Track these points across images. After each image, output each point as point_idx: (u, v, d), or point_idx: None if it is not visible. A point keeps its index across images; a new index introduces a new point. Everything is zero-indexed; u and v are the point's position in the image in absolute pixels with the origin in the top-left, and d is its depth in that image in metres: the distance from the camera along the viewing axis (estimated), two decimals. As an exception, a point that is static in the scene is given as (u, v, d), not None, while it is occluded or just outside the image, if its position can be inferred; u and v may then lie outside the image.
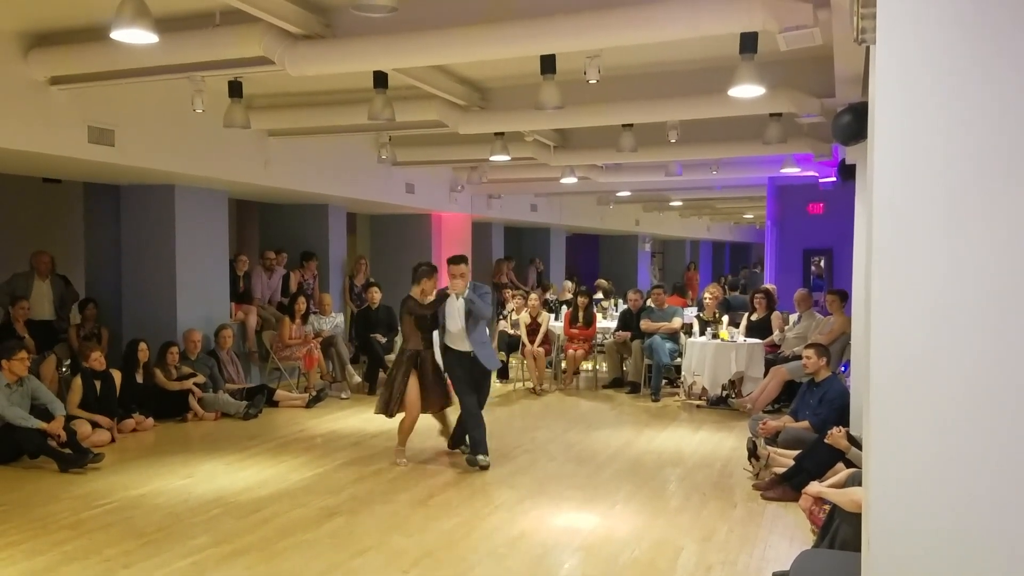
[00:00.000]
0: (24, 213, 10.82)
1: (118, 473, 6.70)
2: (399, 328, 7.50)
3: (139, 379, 8.66)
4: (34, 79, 6.71)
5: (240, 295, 10.74)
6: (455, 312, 6.90)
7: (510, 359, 11.75)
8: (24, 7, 6.07)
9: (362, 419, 8.85)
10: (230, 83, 7.22)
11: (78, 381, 7.90)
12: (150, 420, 8.41)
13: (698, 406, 9.86)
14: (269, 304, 11.23)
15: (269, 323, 10.82)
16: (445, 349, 7.10)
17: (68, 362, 9.04)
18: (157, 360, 8.90)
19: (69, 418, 7.28)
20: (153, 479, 6.51)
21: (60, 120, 6.98)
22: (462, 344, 6.93)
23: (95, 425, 7.66)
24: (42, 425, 6.86)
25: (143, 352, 8.69)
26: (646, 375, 10.69)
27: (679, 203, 18.99)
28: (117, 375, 8.32)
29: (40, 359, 8.47)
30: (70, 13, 6.18)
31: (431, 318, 6.94)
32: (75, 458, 6.77)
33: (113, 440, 7.72)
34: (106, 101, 7.33)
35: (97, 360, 8.01)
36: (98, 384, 7.99)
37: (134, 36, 5.03)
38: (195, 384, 8.94)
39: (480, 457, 6.84)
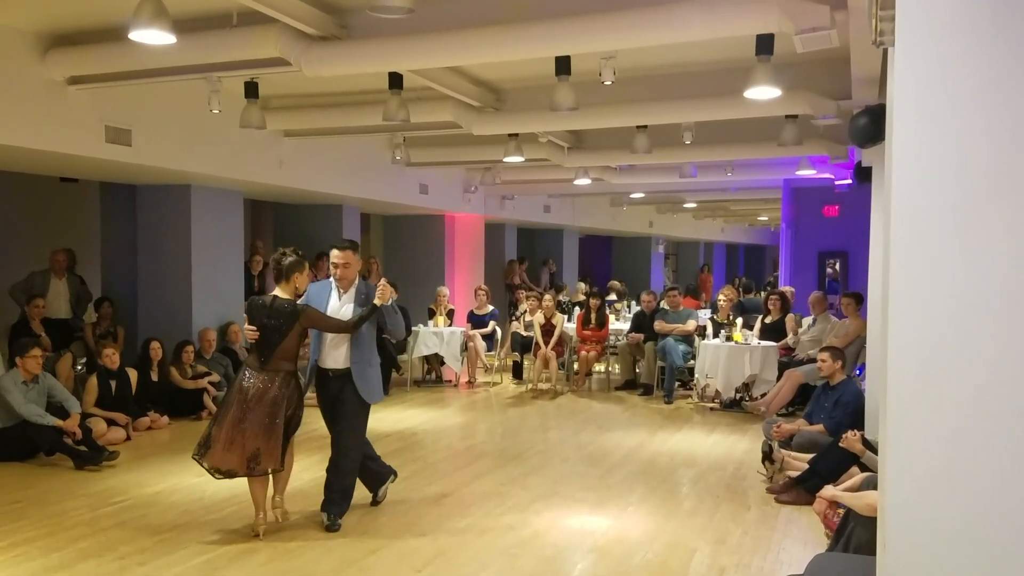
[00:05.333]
0: (41, 212, 10.90)
1: (133, 471, 6.74)
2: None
3: (154, 377, 8.72)
4: (52, 79, 6.76)
5: (255, 295, 10.77)
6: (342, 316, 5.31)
7: (524, 360, 11.77)
8: (42, 8, 6.12)
9: (374, 418, 8.78)
10: (246, 84, 7.24)
11: (94, 380, 7.95)
12: (165, 418, 8.47)
13: (711, 408, 9.84)
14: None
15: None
16: (317, 370, 5.42)
17: (84, 360, 9.10)
18: (173, 359, 8.96)
19: (85, 416, 7.33)
20: (168, 477, 6.55)
21: (77, 120, 7.03)
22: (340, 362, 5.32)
23: (111, 423, 7.71)
24: (58, 422, 6.91)
25: (155, 351, 8.75)
26: (659, 377, 10.68)
27: (693, 205, 18.94)
28: (133, 373, 8.38)
29: (56, 357, 8.54)
30: (88, 14, 6.22)
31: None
32: (90, 455, 6.82)
33: (128, 438, 7.78)
34: (123, 101, 7.37)
35: (110, 357, 8.07)
36: (113, 382, 8.05)
37: (152, 36, 5.06)
38: (210, 383, 9.00)
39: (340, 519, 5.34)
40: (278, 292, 5.23)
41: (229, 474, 5.13)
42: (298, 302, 5.25)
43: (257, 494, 5.20)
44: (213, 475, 5.16)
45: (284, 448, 5.19)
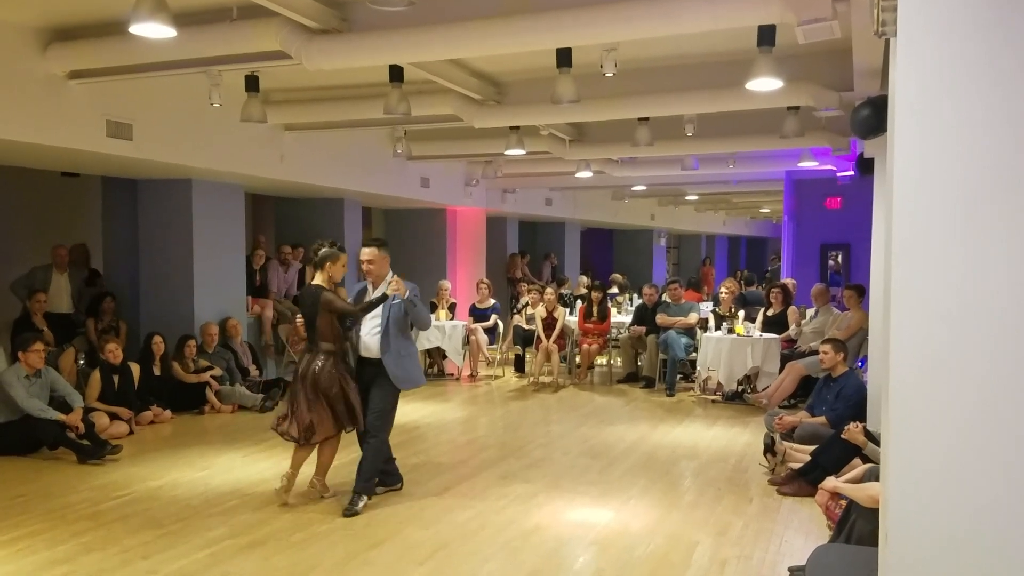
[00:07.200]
0: (42, 207, 10.90)
1: (136, 465, 6.76)
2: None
3: (157, 372, 8.73)
4: (52, 73, 6.75)
5: (256, 289, 10.80)
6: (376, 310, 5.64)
7: (525, 353, 11.78)
8: (43, 2, 6.11)
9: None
10: (247, 77, 7.24)
11: (96, 374, 7.96)
12: (168, 412, 8.48)
13: (713, 401, 9.84)
14: (285, 298, 11.29)
15: (285, 317, 10.88)
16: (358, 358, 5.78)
17: (84, 355, 9.11)
18: (175, 353, 8.97)
19: (87, 410, 7.34)
20: (171, 471, 6.57)
21: (78, 114, 7.03)
22: (373, 351, 5.65)
23: (113, 417, 7.73)
24: (61, 416, 6.93)
25: (157, 345, 8.75)
26: (661, 370, 10.68)
27: (695, 197, 18.90)
28: (135, 368, 8.39)
29: (58, 352, 8.55)
30: (88, 8, 6.21)
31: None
32: (93, 449, 6.83)
33: (131, 432, 7.79)
34: (124, 95, 7.37)
35: (112, 352, 8.07)
36: (116, 377, 8.05)
37: (152, 30, 5.05)
38: (212, 377, 9.01)
39: (362, 499, 5.60)
40: (315, 280, 5.70)
41: (296, 439, 5.62)
42: (324, 288, 5.62)
43: (298, 456, 5.72)
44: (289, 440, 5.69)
45: (336, 418, 5.64)
